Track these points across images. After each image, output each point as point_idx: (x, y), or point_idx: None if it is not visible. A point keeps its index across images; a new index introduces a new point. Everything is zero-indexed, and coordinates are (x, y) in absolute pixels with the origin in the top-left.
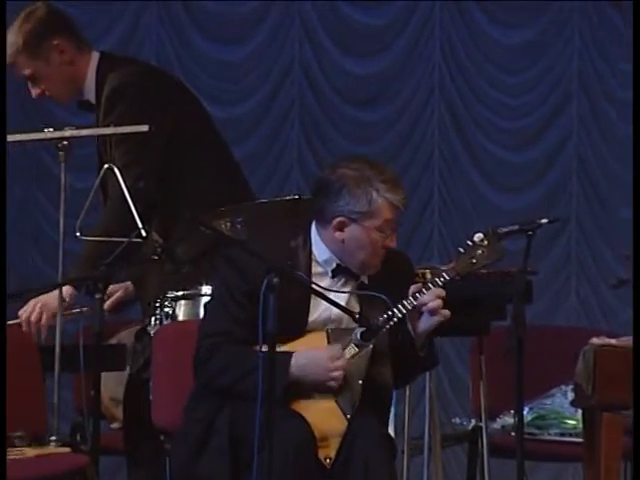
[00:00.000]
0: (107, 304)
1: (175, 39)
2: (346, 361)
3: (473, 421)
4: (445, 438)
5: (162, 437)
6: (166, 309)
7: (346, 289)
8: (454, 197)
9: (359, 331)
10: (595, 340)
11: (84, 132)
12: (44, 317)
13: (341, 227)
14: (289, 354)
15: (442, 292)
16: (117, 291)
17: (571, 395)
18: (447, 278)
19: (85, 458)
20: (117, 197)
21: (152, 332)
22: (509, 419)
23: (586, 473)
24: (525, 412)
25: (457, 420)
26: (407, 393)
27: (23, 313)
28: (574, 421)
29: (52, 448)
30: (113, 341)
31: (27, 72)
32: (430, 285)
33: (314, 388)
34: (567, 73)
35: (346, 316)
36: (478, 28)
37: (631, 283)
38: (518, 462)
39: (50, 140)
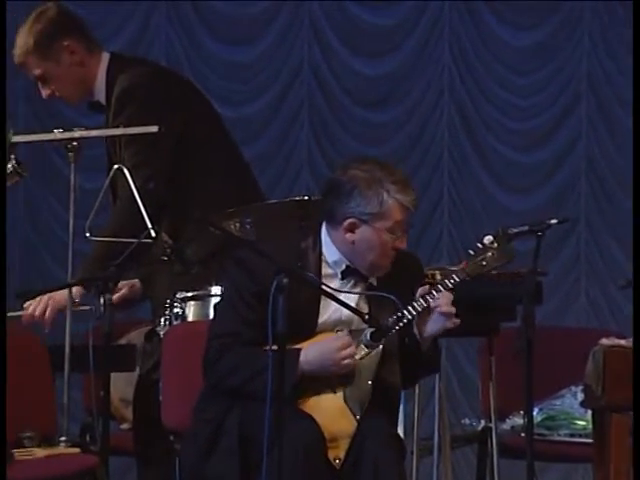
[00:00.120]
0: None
1: (185, 40)
2: (355, 347)
3: (483, 422)
4: (455, 439)
5: (172, 437)
6: (176, 310)
7: (355, 291)
8: (464, 198)
9: (369, 332)
10: (605, 341)
11: (93, 133)
12: (48, 311)
13: (352, 228)
14: (298, 350)
15: (451, 296)
16: (122, 287)
17: (581, 396)
18: (457, 279)
19: (95, 458)
20: (127, 198)
21: (162, 333)
22: (519, 420)
23: (596, 474)
24: (535, 413)
25: (467, 421)
26: (416, 393)
27: (29, 306)
28: (584, 422)
29: (62, 448)
30: (123, 341)
31: (37, 72)
32: (440, 287)
33: (326, 379)
34: (576, 74)
35: (356, 317)
36: (488, 29)
37: (632, 284)
38: (528, 463)
39: (60, 141)
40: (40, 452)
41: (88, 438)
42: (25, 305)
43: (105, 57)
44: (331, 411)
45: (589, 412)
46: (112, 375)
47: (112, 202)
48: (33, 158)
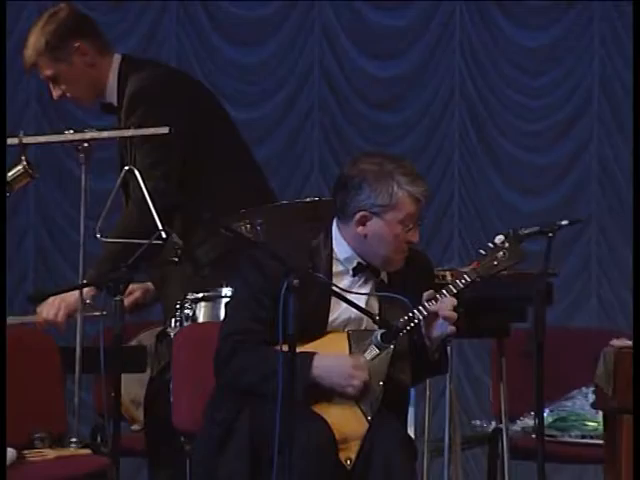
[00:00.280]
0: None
1: (195, 41)
2: (367, 374)
3: (493, 423)
4: (465, 440)
5: (183, 438)
6: (186, 311)
7: (366, 288)
8: (474, 199)
9: (379, 333)
10: (615, 342)
11: (104, 134)
12: (60, 313)
13: (363, 221)
14: (311, 354)
15: (455, 301)
16: (136, 291)
17: (592, 397)
18: (468, 280)
19: (105, 460)
20: (138, 199)
21: (172, 334)
22: (529, 421)
23: (607, 475)
24: (546, 414)
25: (477, 422)
26: (427, 395)
27: (41, 308)
28: (595, 423)
29: (72, 450)
30: (133, 343)
31: (48, 73)
32: (444, 292)
33: (331, 391)
34: (588, 75)
35: (366, 317)
36: (499, 30)
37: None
38: (539, 464)
39: (71, 142)
40: (51, 453)
41: (99, 439)
42: (38, 310)
43: (116, 58)
44: (342, 412)
45: (600, 413)
46: (123, 376)
47: (124, 203)
48: (44, 159)
